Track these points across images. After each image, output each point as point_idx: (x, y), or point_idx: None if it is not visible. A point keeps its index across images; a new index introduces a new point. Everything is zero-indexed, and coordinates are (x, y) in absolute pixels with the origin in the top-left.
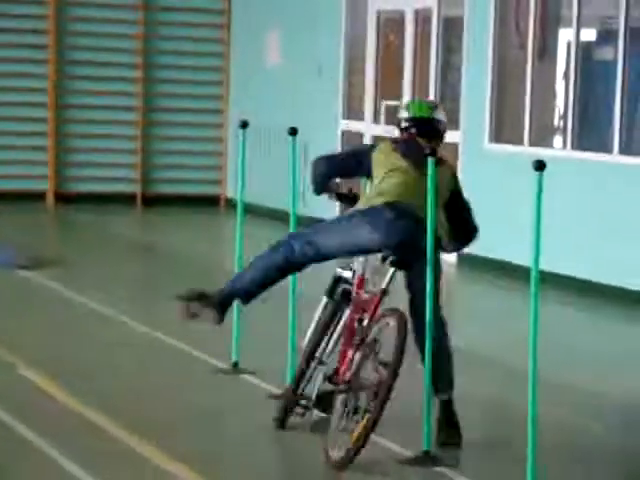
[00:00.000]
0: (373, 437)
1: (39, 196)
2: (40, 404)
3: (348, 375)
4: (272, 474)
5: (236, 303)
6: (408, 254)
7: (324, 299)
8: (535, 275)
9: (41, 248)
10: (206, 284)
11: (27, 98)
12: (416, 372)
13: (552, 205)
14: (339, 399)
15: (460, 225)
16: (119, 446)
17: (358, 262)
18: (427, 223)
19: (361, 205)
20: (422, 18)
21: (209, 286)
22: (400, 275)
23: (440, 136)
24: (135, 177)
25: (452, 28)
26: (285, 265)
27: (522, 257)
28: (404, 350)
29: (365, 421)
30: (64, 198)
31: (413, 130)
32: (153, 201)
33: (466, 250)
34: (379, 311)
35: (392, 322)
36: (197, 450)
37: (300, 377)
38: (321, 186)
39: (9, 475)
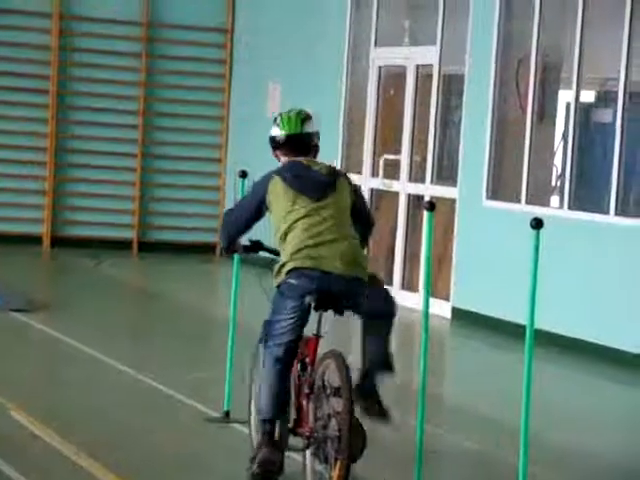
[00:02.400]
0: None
1: (35, 239)
2: (30, 447)
3: (308, 427)
4: None
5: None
6: (328, 298)
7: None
8: (530, 332)
9: (36, 291)
10: (199, 331)
11: (26, 141)
12: (408, 425)
13: (548, 264)
14: (307, 455)
15: (364, 225)
16: None
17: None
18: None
19: (288, 264)
20: (423, 74)
21: (203, 334)
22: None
23: (315, 148)
24: (132, 223)
25: (453, 85)
26: (283, 367)
27: (517, 315)
28: (351, 387)
29: (338, 470)
30: (60, 242)
31: (286, 147)
32: (149, 247)
33: (461, 306)
34: (318, 355)
35: (332, 363)
36: None
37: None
38: (228, 250)
39: None
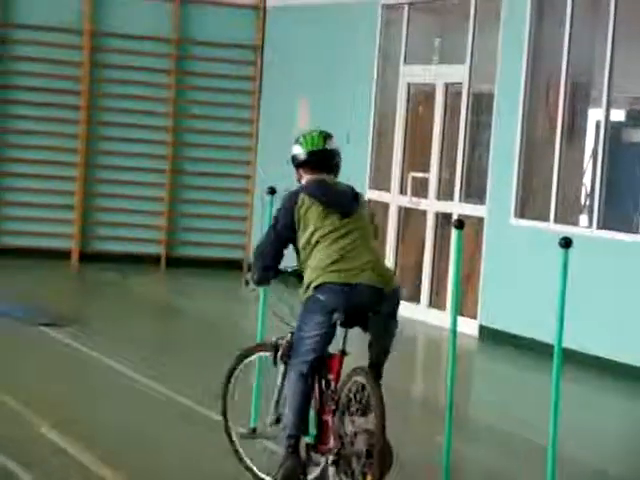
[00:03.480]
0: None
1: (64, 254)
2: (58, 462)
3: (332, 443)
4: None
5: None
6: (354, 313)
7: (282, 367)
8: (558, 351)
9: (64, 306)
10: (227, 347)
11: (56, 157)
12: (435, 443)
13: (576, 282)
14: (330, 471)
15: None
16: None
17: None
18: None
19: (315, 279)
20: (452, 92)
21: (231, 350)
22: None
23: (336, 167)
24: (160, 238)
25: (482, 103)
26: (309, 383)
27: (545, 333)
28: (383, 405)
29: (371, 475)
30: (88, 257)
31: (309, 165)
32: (177, 263)
33: (489, 324)
34: (342, 371)
35: (363, 380)
36: None
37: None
38: (261, 282)
39: None
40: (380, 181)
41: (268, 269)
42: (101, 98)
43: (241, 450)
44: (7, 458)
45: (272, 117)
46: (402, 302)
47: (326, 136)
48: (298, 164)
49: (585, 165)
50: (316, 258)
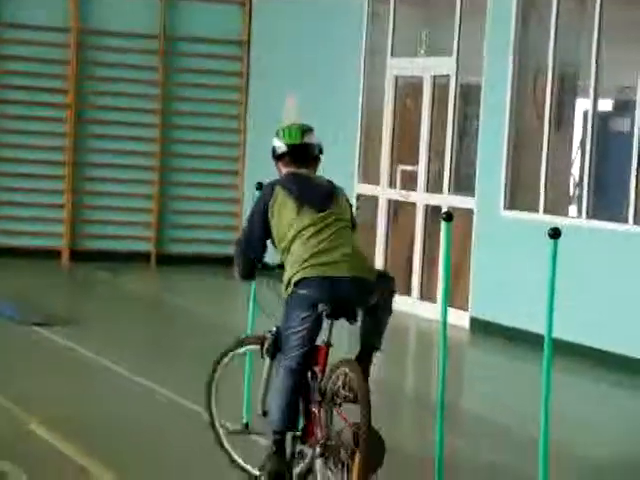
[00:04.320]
0: None
1: (54, 253)
2: (51, 461)
3: (320, 435)
4: None
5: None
6: (340, 305)
7: (267, 360)
8: (548, 342)
9: (55, 305)
10: (218, 344)
11: (44, 156)
12: (427, 436)
13: (566, 273)
14: (318, 463)
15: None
16: None
17: None
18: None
19: (295, 275)
20: (440, 84)
21: (221, 347)
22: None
23: (315, 160)
24: (150, 236)
25: (470, 95)
26: (297, 378)
27: (536, 324)
28: (369, 396)
29: (358, 465)
30: (79, 256)
31: (287, 158)
32: (167, 260)
33: (479, 316)
34: (328, 363)
35: (349, 372)
36: None
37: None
38: (252, 275)
39: None
40: (369, 175)
41: (251, 262)
42: (88, 95)
43: (228, 446)
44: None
45: (260, 112)
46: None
47: (305, 130)
48: (277, 157)
49: (573, 155)
50: (294, 254)
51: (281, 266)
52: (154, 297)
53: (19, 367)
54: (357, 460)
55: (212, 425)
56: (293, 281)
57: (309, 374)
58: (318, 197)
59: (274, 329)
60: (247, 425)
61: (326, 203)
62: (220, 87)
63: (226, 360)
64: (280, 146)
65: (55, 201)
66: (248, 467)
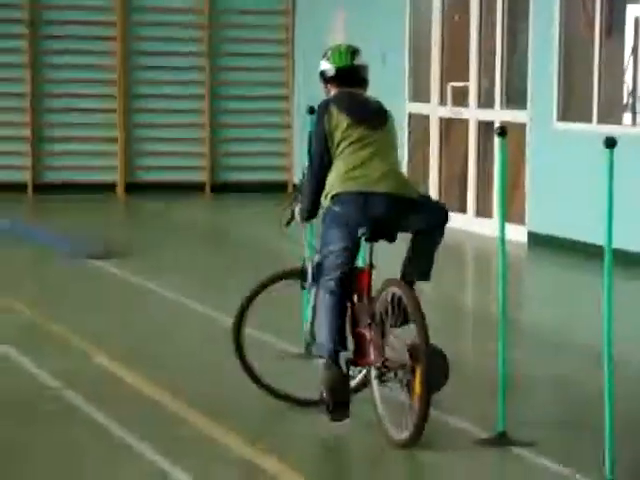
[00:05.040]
0: (445, 417)
1: (109, 186)
2: (115, 391)
3: (373, 357)
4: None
5: None
6: (380, 227)
7: (313, 289)
8: (609, 253)
9: (112, 238)
10: (274, 270)
11: (96, 90)
12: (489, 352)
13: (622, 182)
14: (374, 385)
15: None
16: (196, 432)
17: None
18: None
19: (332, 188)
20: None
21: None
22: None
23: (364, 82)
24: (203, 165)
25: (518, 7)
26: (339, 299)
27: (593, 235)
28: (423, 314)
29: (419, 399)
30: (134, 188)
31: (337, 81)
32: (222, 189)
33: (537, 230)
34: (373, 285)
35: (398, 291)
36: (271, 436)
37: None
38: (315, 216)
39: (87, 459)
40: (419, 93)
41: (317, 204)
42: (136, 27)
43: (258, 373)
44: (66, 389)
45: (307, 33)
46: (450, 213)
47: (354, 51)
48: (326, 79)
49: (626, 62)
50: (339, 164)
51: None
52: (210, 226)
53: (76, 299)
54: (418, 378)
55: (243, 365)
56: (330, 195)
57: (355, 297)
58: (369, 116)
59: (316, 257)
60: (308, 347)
61: (377, 121)
62: (266, 12)
63: (263, 293)
64: (329, 69)
65: (108, 134)
66: (292, 392)
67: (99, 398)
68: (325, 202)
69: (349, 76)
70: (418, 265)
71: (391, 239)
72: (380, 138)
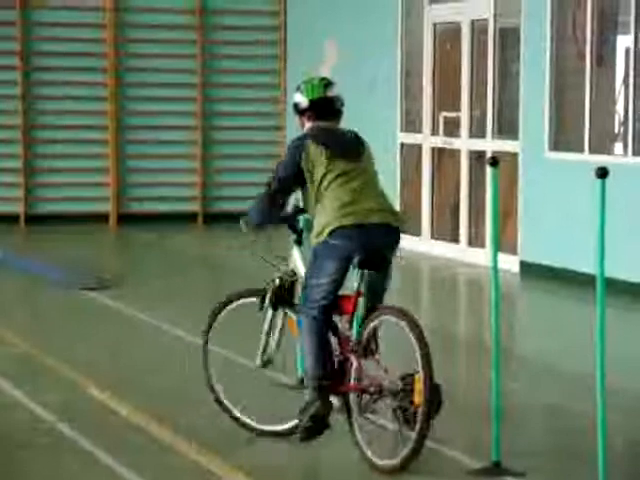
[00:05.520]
0: (438, 446)
1: (102, 217)
2: (107, 421)
3: (356, 385)
4: None
5: None
6: (373, 256)
7: (270, 311)
8: (601, 282)
9: (105, 269)
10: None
11: (88, 121)
12: (482, 381)
13: (613, 212)
14: (355, 410)
15: None
16: (187, 462)
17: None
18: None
19: (328, 225)
20: (478, 29)
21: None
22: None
23: (338, 113)
24: (195, 195)
25: (509, 38)
26: (323, 326)
27: (586, 264)
28: (426, 344)
29: (418, 429)
30: (126, 218)
31: (310, 113)
32: (214, 219)
33: (529, 259)
34: (361, 311)
35: (399, 320)
36: (262, 464)
37: None
38: (267, 224)
39: None
40: (411, 123)
41: (276, 206)
42: (128, 58)
43: (228, 403)
44: (60, 421)
45: (300, 67)
46: (442, 243)
47: (327, 84)
48: (300, 112)
49: (617, 93)
50: (329, 200)
51: (290, 222)
52: (202, 255)
53: (70, 330)
54: (419, 409)
55: (210, 386)
56: (327, 230)
57: (340, 323)
58: (347, 148)
59: (276, 280)
60: (302, 380)
61: (355, 154)
62: (258, 43)
63: (222, 315)
64: (302, 101)
65: (100, 165)
66: (248, 421)
67: (92, 429)
68: (320, 236)
69: (323, 108)
70: (383, 290)
71: (380, 268)
72: (362, 169)
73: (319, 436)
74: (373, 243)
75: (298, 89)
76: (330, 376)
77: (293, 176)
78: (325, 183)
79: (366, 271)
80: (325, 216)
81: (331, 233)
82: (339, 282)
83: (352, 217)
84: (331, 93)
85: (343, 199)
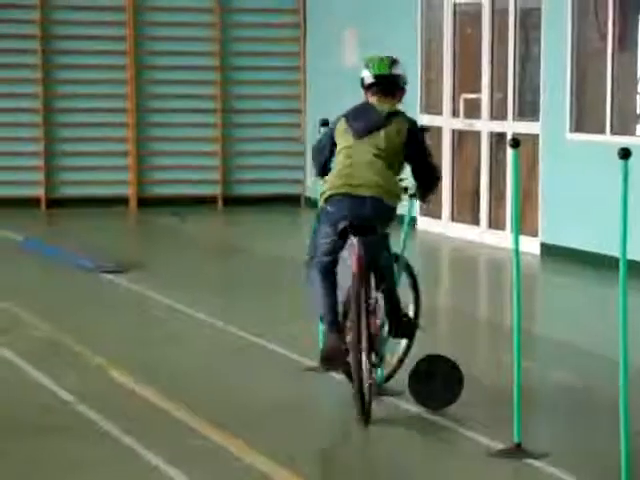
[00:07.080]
0: (459, 428)
1: (122, 200)
2: (129, 404)
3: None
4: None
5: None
6: (360, 222)
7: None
8: (623, 264)
9: (125, 252)
10: (287, 283)
11: (108, 104)
12: (503, 363)
13: (634, 194)
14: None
15: (423, 172)
16: (207, 443)
17: None
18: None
19: (327, 190)
20: (499, 10)
21: (291, 286)
22: None
23: (400, 91)
24: (216, 179)
25: (529, 19)
26: (329, 274)
27: (608, 246)
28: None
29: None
30: (146, 202)
31: (375, 88)
32: (234, 202)
33: (550, 241)
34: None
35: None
36: (286, 447)
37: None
38: (323, 174)
39: (98, 470)
40: (431, 105)
41: (322, 164)
42: (147, 41)
43: None
44: (81, 403)
45: (319, 49)
46: (462, 225)
47: (393, 61)
48: (365, 87)
49: (639, 73)
50: (333, 169)
51: None
52: (222, 239)
53: (91, 313)
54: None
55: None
56: (324, 197)
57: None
58: (363, 124)
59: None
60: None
61: (367, 131)
62: (278, 25)
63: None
64: (368, 77)
65: (120, 149)
66: None
67: (113, 411)
68: (321, 202)
69: (386, 84)
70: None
71: (371, 234)
72: (365, 146)
73: (336, 369)
74: (357, 211)
75: (365, 65)
76: (335, 317)
77: (327, 143)
78: (336, 152)
79: (357, 237)
80: (326, 183)
81: (327, 200)
82: (336, 242)
83: (345, 188)
84: (396, 71)
85: (341, 171)
